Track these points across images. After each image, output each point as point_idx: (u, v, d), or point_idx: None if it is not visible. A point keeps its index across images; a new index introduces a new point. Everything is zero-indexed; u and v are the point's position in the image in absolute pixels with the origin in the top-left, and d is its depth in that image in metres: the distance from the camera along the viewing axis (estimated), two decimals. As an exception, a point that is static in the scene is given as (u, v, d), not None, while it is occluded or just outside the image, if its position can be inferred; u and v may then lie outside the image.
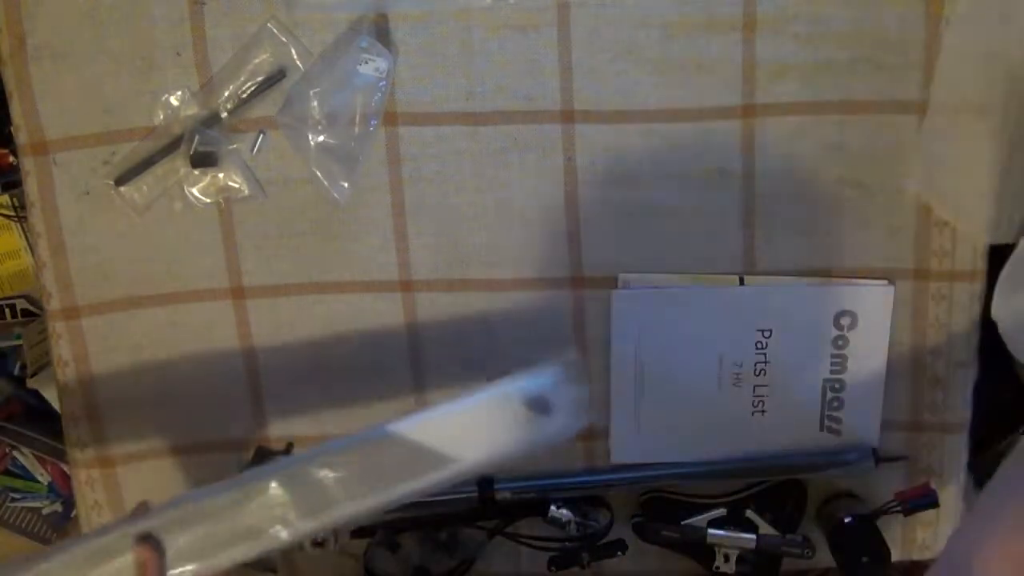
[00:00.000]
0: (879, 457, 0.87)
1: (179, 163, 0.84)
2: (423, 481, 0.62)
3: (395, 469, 0.62)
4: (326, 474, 0.61)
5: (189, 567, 0.61)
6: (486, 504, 0.89)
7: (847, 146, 0.83)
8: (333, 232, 0.87)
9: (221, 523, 0.62)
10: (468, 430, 0.62)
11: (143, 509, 0.64)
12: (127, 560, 0.60)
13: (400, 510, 0.91)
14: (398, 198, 0.86)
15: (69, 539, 0.63)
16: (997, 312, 0.79)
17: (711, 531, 0.87)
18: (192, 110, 0.84)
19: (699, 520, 0.88)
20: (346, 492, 0.61)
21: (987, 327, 0.83)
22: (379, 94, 0.81)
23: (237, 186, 0.85)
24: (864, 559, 0.85)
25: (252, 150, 0.85)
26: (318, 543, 0.93)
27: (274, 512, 0.61)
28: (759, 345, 0.87)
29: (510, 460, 0.61)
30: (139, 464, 0.92)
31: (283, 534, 0.61)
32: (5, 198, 1.08)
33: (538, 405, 0.62)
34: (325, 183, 0.84)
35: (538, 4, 0.81)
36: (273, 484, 0.61)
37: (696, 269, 0.86)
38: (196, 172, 0.84)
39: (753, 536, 0.86)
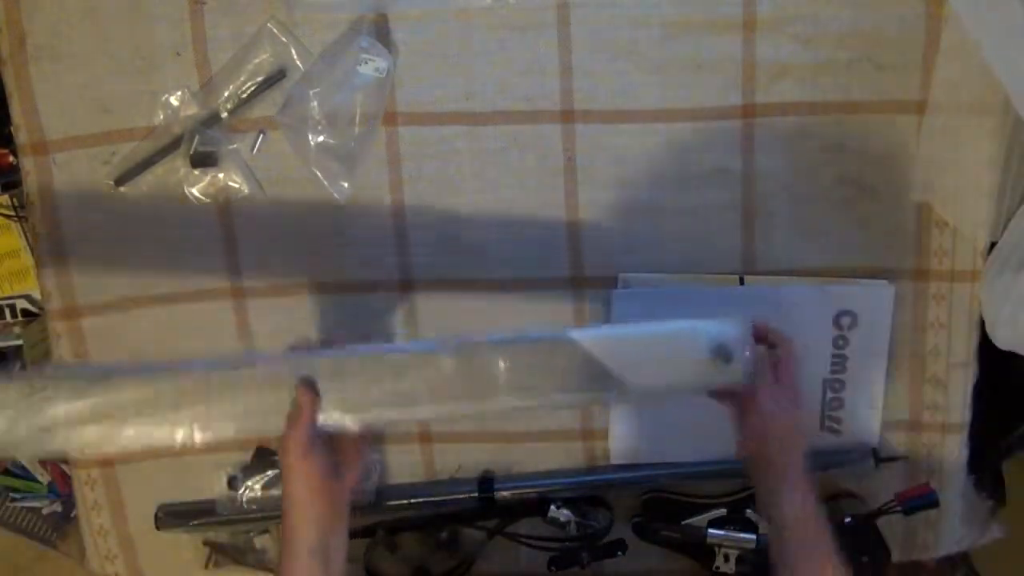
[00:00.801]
0: (879, 457, 0.87)
1: (179, 163, 0.84)
2: (587, 396, 0.62)
3: (564, 376, 0.61)
4: (497, 361, 0.60)
5: (345, 416, 0.61)
6: (486, 504, 0.89)
7: (847, 146, 0.83)
8: (333, 232, 0.87)
9: (381, 382, 0.61)
10: (646, 358, 0.62)
11: (305, 343, 0.65)
12: (285, 396, 0.61)
13: (400, 510, 0.91)
14: (398, 198, 0.86)
15: (230, 356, 0.65)
16: (982, 295, 0.79)
17: (711, 531, 0.87)
18: (192, 110, 0.84)
19: (699, 520, 0.88)
20: (511, 384, 0.60)
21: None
22: (379, 94, 0.81)
23: (237, 186, 0.85)
24: (864, 559, 0.84)
25: (252, 150, 0.85)
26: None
27: (436, 384, 0.60)
28: (759, 345, 0.87)
29: (673, 397, 0.61)
30: (139, 464, 0.92)
31: (440, 408, 0.61)
32: (5, 198, 1.08)
33: (722, 352, 0.62)
34: (325, 183, 0.84)
35: (538, 4, 0.81)
36: (443, 357, 0.60)
37: (696, 269, 0.86)
38: (196, 172, 0.84)
39: (753, 536, 0.86)
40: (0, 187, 1.09)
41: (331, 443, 0.63)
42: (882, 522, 0.85)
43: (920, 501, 0.83)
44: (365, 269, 0.87)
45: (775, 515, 0.64)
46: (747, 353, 0.62)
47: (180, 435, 0.61)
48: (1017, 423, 0.97)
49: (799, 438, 0.64)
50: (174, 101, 0.84)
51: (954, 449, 0.88)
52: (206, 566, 0.95)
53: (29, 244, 1.09)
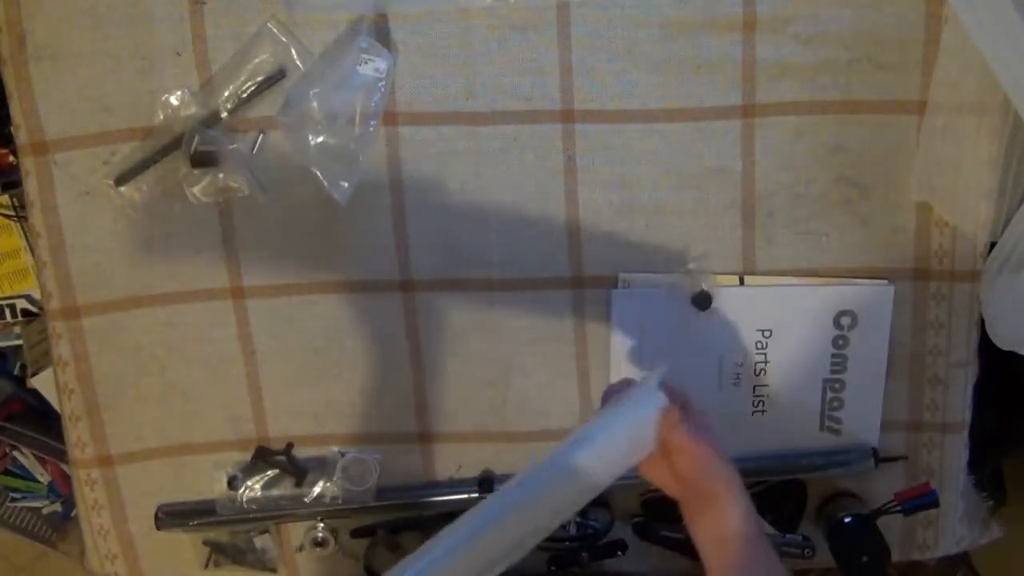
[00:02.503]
0: (879, 457, 0.87)
1: (179, 163, 0.84)
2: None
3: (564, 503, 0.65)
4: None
5: None
6: (486, 504, 0.89)
7: (847, 146, 0.83)
8: (333, 232, 0.87)
9: None
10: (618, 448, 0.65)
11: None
12: None
13: (400, 510, 0.91)
14: (398, 198, 0.86)
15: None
16: (982, 295, 0.79)
17: (711, 531, 0.87)
18: (192, 110, 0.84)
19: (699, 520, 0.87)
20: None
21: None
22: (379, 94, 0.81)
23: (237, 186, 0.85)
24: (864, 559, 0.85)
25: (252, 150, 0.85)
26: (318, 543, 0.93)
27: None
28: (759, 345, 0.87)
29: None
30: (139, 464, 0.92)
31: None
32: (5, 198, 1.08)
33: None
34: (325, 183, 0.84)
35: (538, 4, 0.81)
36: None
37: (696, 269, 0.86)
38: (196, 172, 0.84)
39: (753, 536, 0.86)
40: (0, 187, 1.09)
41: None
42: (882, 522, 0.85)
43: (920, 501, 0.83)
44: (365, 269, 0.87)
45: (720, 535, 0.65)
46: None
47: None
48: (1017, 423, 0.98)
49: (726, 457, 0.66)
50: (174, 101, 0.84)
51: (954, 449, 0.88)
52: (206, 566, 0.95)
53: (29, 244, 1.09)
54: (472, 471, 0.91)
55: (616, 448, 0.65)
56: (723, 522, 0.64)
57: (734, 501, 0.64)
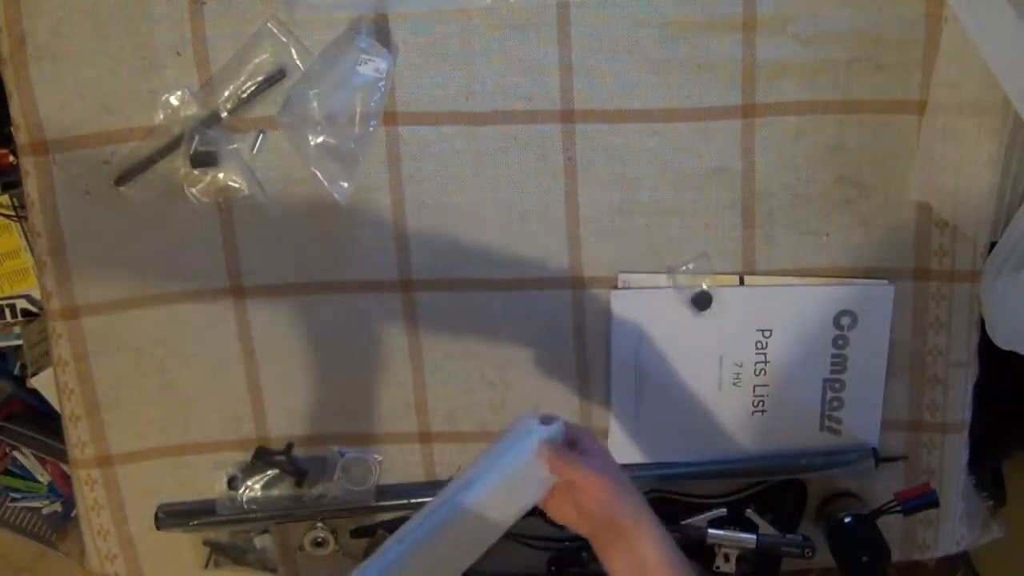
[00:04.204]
0: (879, 457, 0.87)
1: (179, 163, 0.84)
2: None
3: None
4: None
5: None
6: (486, 504, 0.89)
7: (847, 146, 0.83)
8: (333, 232, 0.87)
9: None
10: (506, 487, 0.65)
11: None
12: None
13: (400, 510, 0.91)
14: (398, 198, 0.86)
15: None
16: (982, 295, 0.79)
17: (711, 531, 0.87)
18: (192, 110, 0.84)
19: (699, 520, 0.88)
20: None
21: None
22: (379, 94, 0.81)
23: (237, 186, 0.85)
24: (864, 559, 0.85)
25: (252, 150, 0.85)
26: (318, 543, 0.93)
27: None
28: (759, 345, 0.87)
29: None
30: (139, 464, 0.92)
31: None
32: (5, 198, 1.09)
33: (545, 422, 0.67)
34: (325, 183, 0.84)
35: (538, 4, 0.81)
36: None
37: (696, 269, 0.86)
38: (196, 172, 0.84)
39: (753, 536, 0.86)
40: (0, 187, 1.09)
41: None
42: (882, 522, 0.85)
43: (920, 501, 0.83)
44: (365, 269, 0.87)
45: (636, 565, 0.63)
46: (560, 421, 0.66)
47: None
48: (1017, 423, 0.98)
49: (630, 486, 0.66)
50: (174, 101, 0.84)
51: (954, 449, 0.88)
52: (206, 566, 0.95)
53: (29, 244, 1.09)
54: (472, 471, 0.91)
55: (500, 490, 0.64)
56: (637, 551, 0.63)
57: (645, 529, 0.63)
